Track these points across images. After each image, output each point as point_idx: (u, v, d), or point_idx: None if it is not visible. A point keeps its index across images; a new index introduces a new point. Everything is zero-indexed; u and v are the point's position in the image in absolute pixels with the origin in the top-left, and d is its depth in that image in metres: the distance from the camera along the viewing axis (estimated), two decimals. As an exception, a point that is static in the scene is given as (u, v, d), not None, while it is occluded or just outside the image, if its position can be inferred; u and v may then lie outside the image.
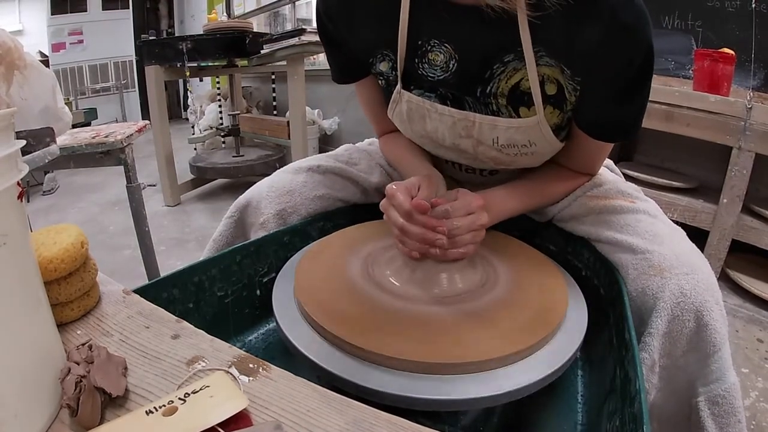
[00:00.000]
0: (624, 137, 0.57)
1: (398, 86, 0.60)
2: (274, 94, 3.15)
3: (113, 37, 5.37)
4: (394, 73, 0.61)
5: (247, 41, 2.25)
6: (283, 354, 0.55)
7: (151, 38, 2.36)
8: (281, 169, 0.72)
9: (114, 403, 0.31)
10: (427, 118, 0.60)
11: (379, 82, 0.65)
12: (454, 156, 0.65)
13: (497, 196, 0.60)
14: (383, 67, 0.62)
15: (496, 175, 0.70)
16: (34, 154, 0.71)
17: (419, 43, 0.57)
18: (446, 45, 0.55)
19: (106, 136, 1.13)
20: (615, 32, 0.47)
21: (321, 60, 3.28)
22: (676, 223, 0.59)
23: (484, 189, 0.70)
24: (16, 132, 0.34)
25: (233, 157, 2.71)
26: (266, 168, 2.54)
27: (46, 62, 4.61)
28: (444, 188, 0.59)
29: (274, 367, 0.35)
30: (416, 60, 0.58)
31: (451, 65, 0.56)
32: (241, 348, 0.37)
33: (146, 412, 0.29)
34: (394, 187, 0.52)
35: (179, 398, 0.29)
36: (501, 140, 0.57)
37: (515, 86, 0.54)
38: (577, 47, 0.49)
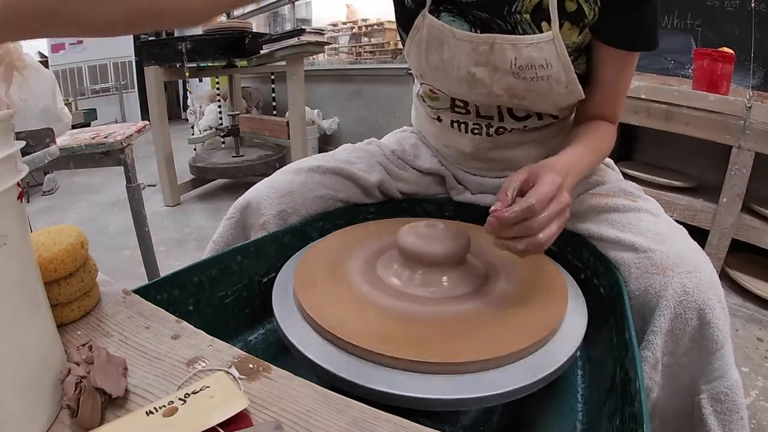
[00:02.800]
0: (645, 43, 0.59)
1: (425, 8, 0.61)
2: (273, 95, 3.15)
3: (112, 37, 5.36)
4: None
5: (246, 41, 2.25)
6: (283, 354, 0.55)
7: (150, 39, 2.36)
8: (281, 169, 0.72)
9: (114, 403, 0.31)
10: (445, 45, 0.61)
11: (406, 3, 0.64)
12: (465, 90, 0.64)
13: (571, 157, 0.55)
14: None
15: (502, 135, 0.69)
16: (33, 154, 0.71)
17: None
18: None
19: (106, 137, 1.13)
20: None
21: (320, 60, 3.28)
22: (677, 222, 0.59)
23: (493, 153, 0.71)
24: (16, 132, 0.34)
25: (233, 157, 2.71)
26: (266, 168, 2.54)
27: (45, 63, 4.61)
28: None
29: (274, 367, 0.35)
30: None
31: None
32: (241, 348, 0.37)
33: (146, 412, 0.29)
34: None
35: (179, 399, 0.29)
36: (519, 61, 0.58)
37: (538, 4, 0.56)
38: None
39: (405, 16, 0.65)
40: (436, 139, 0.79)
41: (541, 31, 0.57)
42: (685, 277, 0.49)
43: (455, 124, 0.71)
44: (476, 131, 0.70)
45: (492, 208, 0.46)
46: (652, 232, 0.55)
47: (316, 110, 3.11)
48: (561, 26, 0.56)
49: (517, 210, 0.43)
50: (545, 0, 0.56)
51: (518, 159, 0.72)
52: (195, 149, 3.21)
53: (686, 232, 0.57)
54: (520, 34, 0.58)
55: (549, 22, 0.56)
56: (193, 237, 2.06)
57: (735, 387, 0.49)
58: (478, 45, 0.58)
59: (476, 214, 0.74)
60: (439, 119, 0.74)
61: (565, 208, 0.47)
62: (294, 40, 2.05)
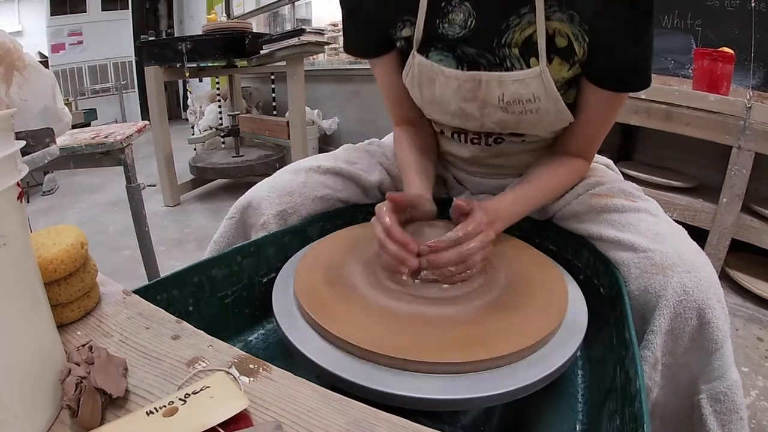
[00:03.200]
0: (634, 85, 0.58)
1: (414, 48, 0.61)
2: (273, 95, 3.15)
3: (113, 37, 5.37)
4: (413, 35, 0.62)
5: (246, 42, 2.25)
6: (283, 354, 0.55)
7: (150, 39, 2.36)
8: (281, 169, 0.72)
9: (114, 403, 0.31)
10: (436, 82, 0.62)
11: (398, 45, 0.65)
12: (459, 123, 0.66)
13: (506, 201, 0.61)
14: (405, 33, 0.63)
15: (501, 144, 0.70)
16: (33, 154, 0.71)
17: (442, 4, 0.58)
18: (465, 4, 0.57)
19: (106, 137, 1.13)
20: None
21: (320, 60, 3.28)
22: (676, 222, 0.59)
23: (492, 160, 0.71)
24: (16, 132, 0.34)
25: (233, 157, 2.71)
26: (266, 168, 2.54)
27: (45, 63, 4.61)
28: (431, 207, 0.59)
29: (275, 367, 0.35)
30: (437, 21, 0.59)
31: (469, 23, 0.57)
32: (241, 348, 0.37)
33: (147, 412, 0.29)
34: (382, 205, 0.53)
35: (179, 399, 0.29)
36: (506, 97, 0.58)
37: (528, 38, 0.56)
38: None
39: (400, 56, 0.66)
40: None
41: (529, 66, 0.56)
42: (685, 276, 0.49)
43: (455, 135, 0.72)
44: (475, 141, 0.71)
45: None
46: (651, 232, 0.55)
47: (316, 110, 3.11)
48: (551, 61, 0.56)
49: (445, 240, 0.50)
50: (535, 36, 0.54)
51: (516, 165, 0.72)
52: (195, 149, 3.21)
53: (686, 232, 0.57)
54: (507, 68, 0.58)
55: (537, 57, 0.55)
56: (193, 237, 2.06)
57: (734, 387, 0.49)
58: (465, 82, 0.59)
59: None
60: (441, 132, 0.74)
61: (490, 243, 0.52)
62: (294, 40, 2.05)
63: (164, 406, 0.29)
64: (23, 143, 0.30)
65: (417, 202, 0.56)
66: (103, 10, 5.32)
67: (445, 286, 0.51)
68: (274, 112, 3.15)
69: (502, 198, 0.61)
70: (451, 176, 0.78)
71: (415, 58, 0.62)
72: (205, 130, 3.20)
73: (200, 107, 3.53)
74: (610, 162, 0.76)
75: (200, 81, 4.60)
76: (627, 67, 0.56)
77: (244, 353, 0.36)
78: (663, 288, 0.49)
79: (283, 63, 2.26)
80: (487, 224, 0.52)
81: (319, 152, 2.79)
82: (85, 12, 5.21)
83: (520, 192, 0.62)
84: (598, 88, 0.58)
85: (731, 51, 1.44)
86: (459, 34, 0.59)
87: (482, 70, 0.59)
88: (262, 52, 2.21)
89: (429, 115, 0.69)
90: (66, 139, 1.10)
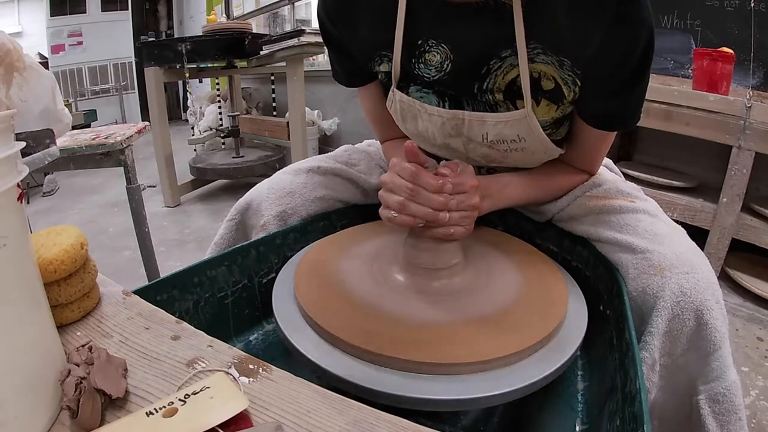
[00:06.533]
0: (626, 126, 0.57)
1: (394, 85, 0.61)
2: (273, 95, 3.15)
3: (112, 38, 5.37)
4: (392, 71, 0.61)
5: (246, 42, 2.25)
6: (283, 354, 0.55)
7: (150, 40, 2.36)
8: (281, 170, 0.72)
9: (114, 404, 0.31)
10: (419, 118, 0.60)
11: (379, 77, 0.65)
12: (447, 154, 0.66)
13: (499, 181, 0.61)
14: (383, 68, 0.62)
15: (493, 172, 0.70)
16: (33, 155, 0.71)
17: (419, 42, 0.57)
18: (443, 45, 0.55)
19: (106, 138, 1.13)
20: (621, 24, 0.46)
21: (320, 61, 3.28)
22: (676, 222, 0.59)
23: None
24: (16, 133, 0.34)
25: (233, 158, 2.71)
26: (266, 169, 2.54)
27: (45, 64, 4.61)
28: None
29: (275, 367, 0.35)
30: (413, 60, 0.58)
31: (445, 65, 0.56)
32: (241, 349, 0.37)
33: (146, 413, 0.29)
34: (395, 159, 0.52)
35: (179, 399, 0.29)
36: (490, 136, 0.57)
37: (512, 82, 0.54)
38: (580, 40, 0.49)
39: (383, 89, 0.65)
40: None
41: (516, 108, 0.55)
42: (683, 277, 0.49)
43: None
44: None
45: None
46: (649, 233, 0.55)
47: (316, 111, 3.11)
48: (538, 103, 0.54)
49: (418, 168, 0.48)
50: (519, 78, 0.52)
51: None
52: (195, 150, 3.21)
53: (684, 232, 0.57)
54: (493, 109, 0.56)
55: (523, 98, 0.53)
56: (193, 238, 2.06)
57: (733, 387, 0.49)
58: (449, 120, 0.57)
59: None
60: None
61: (471, 207, 0.51)
62: (294, 41, 2.06)
63: (164, 407, 0.29)
64: (23, 144, 0.30)
65: (430, 165, 0.54)
66: (102, 11, 5.31)
67: (446, 286, 0.51)
68: (274, 113, 3.15)
69: (497, 177, 0.61)
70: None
71: (396, 95, 0.60)
72: (205, 131, 3.20)
73: (200, 108, 3.53)
74: (610, 162, 0.76)
75: (200, 82, 4.61)
76: (620, 110, 0.55)
77: (244, 354, 0.36)
78: (660, 289, 0.49)
79: (283, 64, 2.26)
80: (472, 188, 0.51)
81: (319, 153, 2.79)
82: (85, 13, 5.21)
83: (517, 178, 0.62)
84: (588, 125, 0.57)
85: (731, 51, 1.44)
86: (435, 76, 0.57)
87: (465, 109, 0.57)
88: (261, 52, 2.21)
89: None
90: (66, 140, 1.11)
